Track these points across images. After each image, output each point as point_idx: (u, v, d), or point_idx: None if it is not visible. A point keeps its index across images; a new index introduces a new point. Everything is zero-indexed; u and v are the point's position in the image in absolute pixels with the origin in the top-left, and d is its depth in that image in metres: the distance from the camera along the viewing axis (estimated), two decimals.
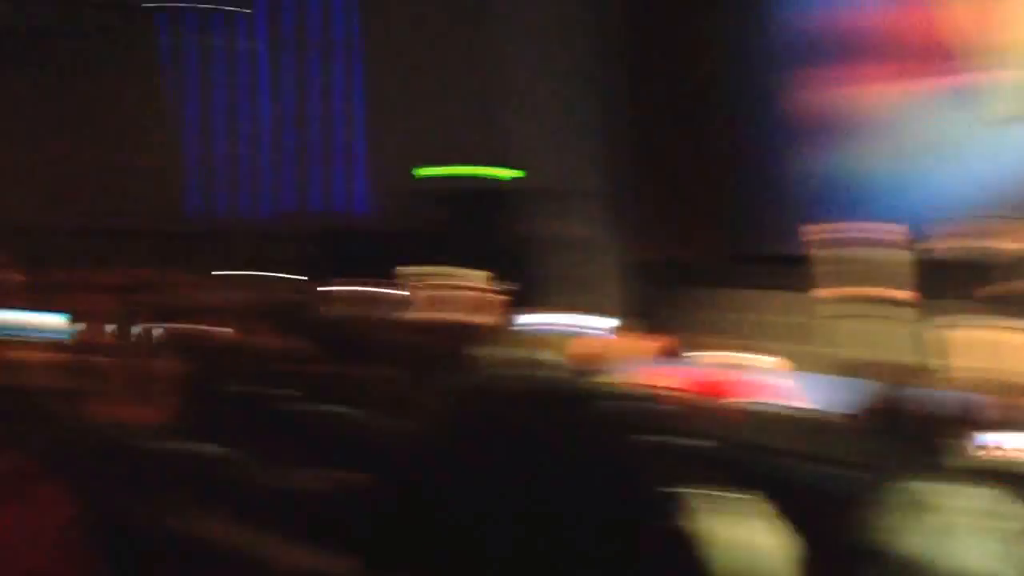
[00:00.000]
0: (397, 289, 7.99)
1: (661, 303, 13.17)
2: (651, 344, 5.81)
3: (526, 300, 8.22)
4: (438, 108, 13.65)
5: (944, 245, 8.28)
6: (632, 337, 5.84)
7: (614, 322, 11.05)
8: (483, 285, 7.55)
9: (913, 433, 3.98)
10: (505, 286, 7.39)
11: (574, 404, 1.70)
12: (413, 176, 13.96)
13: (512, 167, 13.43)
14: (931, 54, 11.47)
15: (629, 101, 14.13)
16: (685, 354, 5.59)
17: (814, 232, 12.56)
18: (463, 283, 7.49)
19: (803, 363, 10.81)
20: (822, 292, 11.51)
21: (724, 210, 13.77)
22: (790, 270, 12.45)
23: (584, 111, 13.72)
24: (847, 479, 3.62)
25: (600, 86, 13.90)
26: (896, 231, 9.08)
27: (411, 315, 6.49)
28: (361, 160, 14.73)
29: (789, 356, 11.09)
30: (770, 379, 5.71)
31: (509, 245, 12.53)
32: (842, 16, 12.55)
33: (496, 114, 13.28)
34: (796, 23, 12.94)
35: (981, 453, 3.77)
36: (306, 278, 10.45)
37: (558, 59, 13.67)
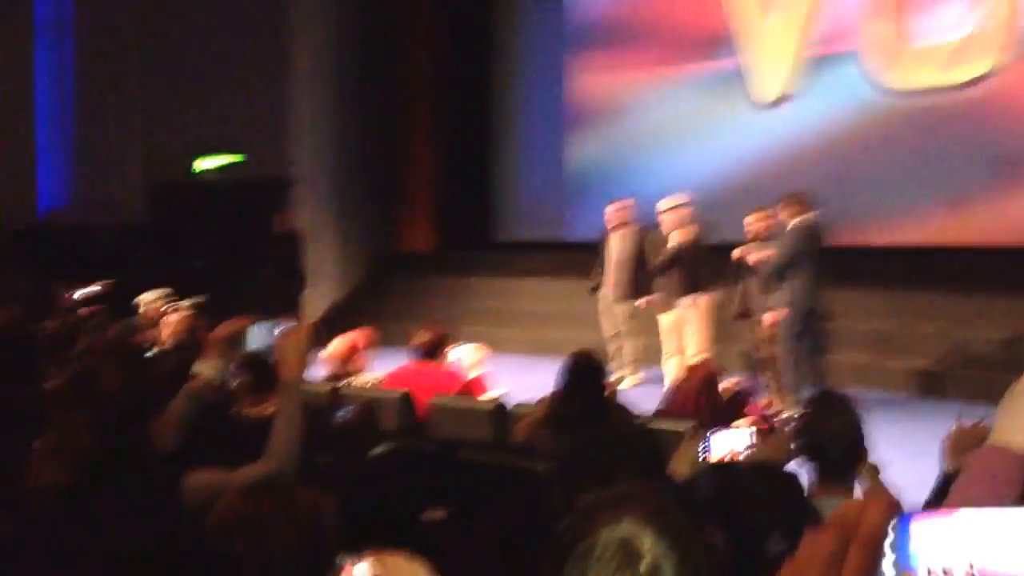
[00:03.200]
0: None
1: (393, 293, 13.49)
2: (373, 338, 6.05)
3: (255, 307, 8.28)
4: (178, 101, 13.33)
5: (681, 229, 8.96)
6: (357, 333, 6.07)
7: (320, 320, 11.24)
8: (173, 303, 7.42)
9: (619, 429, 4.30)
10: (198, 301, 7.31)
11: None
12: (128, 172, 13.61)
13: (234, 153, 13.31)
14: (692, 40, 12.16)
15: (367, 90, 14.23)
16: (414, 347, 5.82)
17: (566, 218, 13.24)
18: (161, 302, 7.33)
19: (529, 347, 11.50)
20: (566, 278, 12.09)
21: (468, 198, 14.17)
22: (531, 256, 13.10)
23: (317, 100, 13.76)
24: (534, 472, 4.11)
25: (337, 75, 13.95)
26: (636, 213, 9.63)
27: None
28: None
29: (520, 342, 11.74)
30: (485, 369, 6.04)
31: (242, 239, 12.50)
32: (604, 3, 13.07)
33: (220, 103, 13.12)
34: (559, 11, 13.34)
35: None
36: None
37: (288, 45, 13.60)
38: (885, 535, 0.99)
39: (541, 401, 4.48)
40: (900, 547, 0.99)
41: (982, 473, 1.48)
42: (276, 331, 3.15)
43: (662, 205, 9.25)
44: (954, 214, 10.24)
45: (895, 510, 1.00)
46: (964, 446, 3.46)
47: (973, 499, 1.45)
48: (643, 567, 1.37)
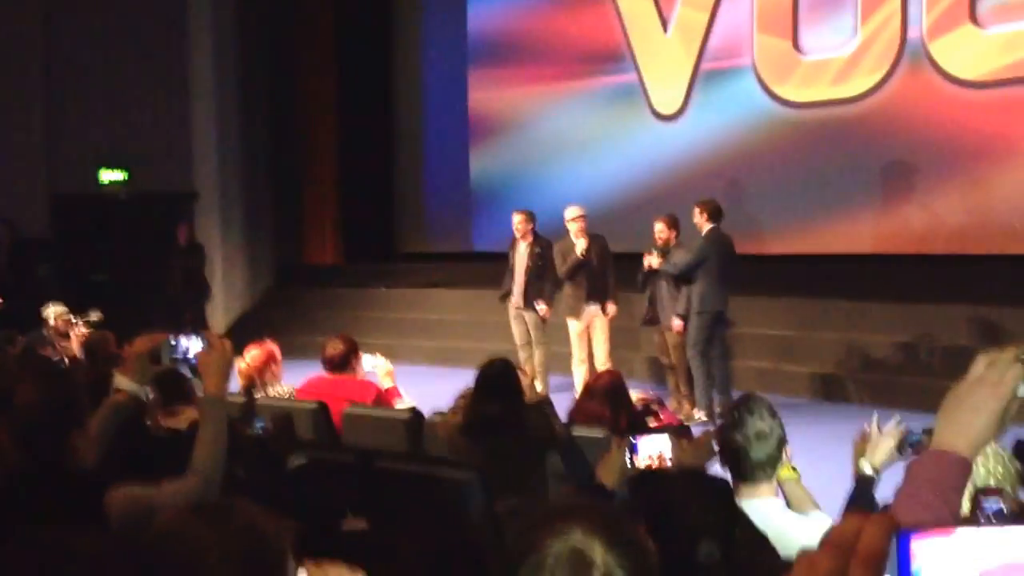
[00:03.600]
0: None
1: (298, 305, 13.37)
2: (272, 351, 5.97)
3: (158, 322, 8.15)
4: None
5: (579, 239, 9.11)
6: (268, 344, 6.00)
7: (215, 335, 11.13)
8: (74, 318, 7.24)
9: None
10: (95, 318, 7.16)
11: None
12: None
13: (129, 170, 13.09)
14: (592, 55, 12.31)
15: (271, 104, 14.13)
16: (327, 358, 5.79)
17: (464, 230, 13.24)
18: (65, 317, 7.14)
19: (435, 357, 11.51)
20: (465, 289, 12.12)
21: (372, 210, 14.11)
22: (435, 267, 13.10)
23: (221, 114, 13.60)
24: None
25: (240, 89, 13.81)
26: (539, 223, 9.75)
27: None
28: None
29: (425, 352, 11.74)
30: (385, 379, 6.02)
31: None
32: (505, 18, 13.14)
33: (124, 116, 12.88)
34: (461, 26, 13.38)
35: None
36: None
37: (191, 60, 13.42)
38: (886, 553, 0.97)
39: (457, 408, 4.50)
40: (902, 565, 0.98)
41: (928, 478, 1.49)
42: (197, 344, 3.11)
43: (568, 213, 9.38)
44: (846, 224, 10.56)
45: (893, 527, 0.99)
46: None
47: (921, 505, 1.47)
48: None
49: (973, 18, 9.72)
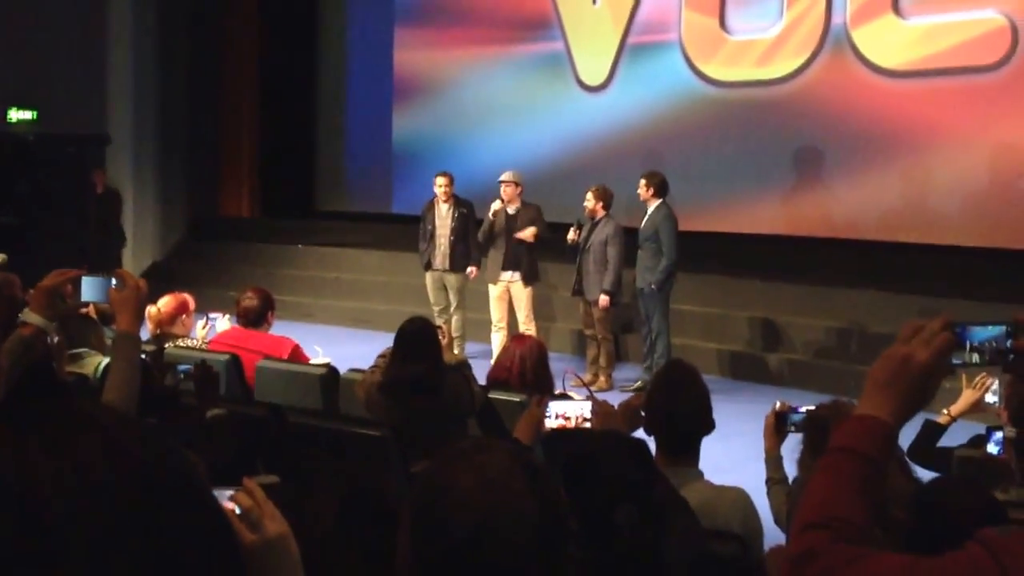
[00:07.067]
0: None
1: (212, 257, 13.13)
2: (186, 300, 5.85)
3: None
4: None
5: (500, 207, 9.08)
6: (176, 295, 5.87)
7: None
8: None
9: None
10: None
11: None
12: None
13: (39, 109, 12.66)
14: (520, 21, 12.19)
15: (191, 52, 13.77)
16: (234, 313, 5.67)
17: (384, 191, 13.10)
18: None
19: (349, 318, 11.41)
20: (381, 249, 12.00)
21: (292, 166, 13.86)
22: (354, 227, 12.94)
23: (138, 58, 13.22)
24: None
25: (159, 34, 13.43)
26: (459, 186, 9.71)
27: None
28: None
29: (340, 312, 11.62)
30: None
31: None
32: None
33: (35, 56, 12.43)
34: None
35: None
36: None
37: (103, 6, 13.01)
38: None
39: (377, 367, 4.45)
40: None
41: (853, 439, 1.47)
42: (110, 283, 3.01)
43: (503, 177, 9.32)
44: (764, 204, 10.70)
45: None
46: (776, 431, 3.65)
47: (846, 463, 1.46)
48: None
49: (895, 8, 9.88)
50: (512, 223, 9.21)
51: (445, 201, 9.73)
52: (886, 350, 1.53)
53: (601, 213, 8.73)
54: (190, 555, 0.80)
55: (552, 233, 9.14)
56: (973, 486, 2.52)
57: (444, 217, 9.71)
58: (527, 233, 9.08)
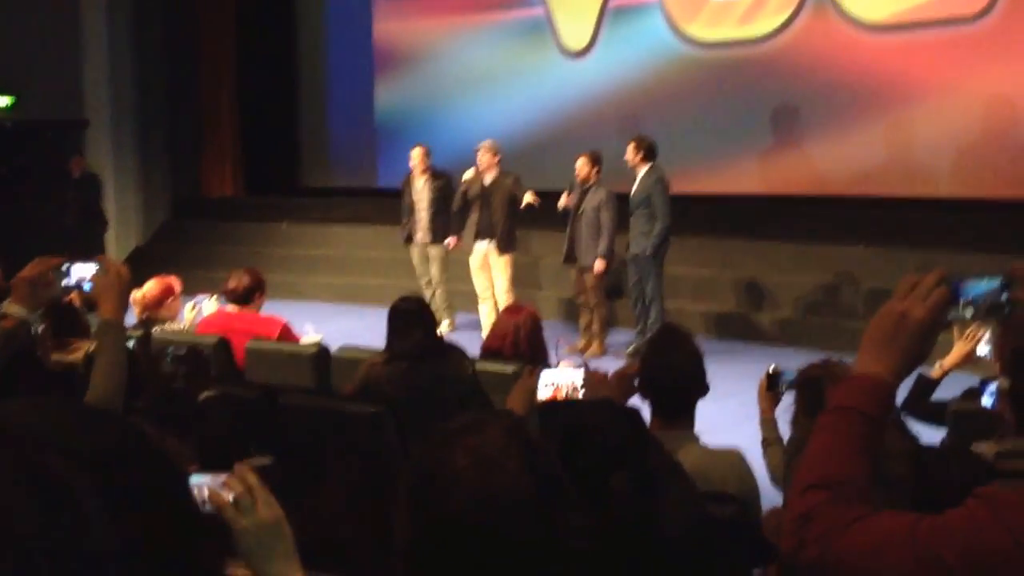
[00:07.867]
0: None
1: (196, 239, 13.05)
2: (171, 284, 5.80)
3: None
4: None
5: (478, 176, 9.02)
6: (162, 279, 5.82)
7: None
8: None
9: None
10: None
11: None
12: None
13: (16, 95, 12.53)
14: None
15: (169, 31, 13.61)
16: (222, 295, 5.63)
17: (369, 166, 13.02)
18: None
19: (337, 294, 11.36)
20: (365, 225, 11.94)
21: (274, 143, 13.74)
22: (339, 203, 12.87)
23: (115, 39, 13.07)
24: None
25: (136, 14, 13.27)
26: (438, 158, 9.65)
27: None
28: None
29: (327, 288, 11.58)
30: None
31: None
32: None
33: (10, 39, 12.28)
34: None
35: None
36: None
37: None
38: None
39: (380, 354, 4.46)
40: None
41: (852, 398, 1.47)
42: (91, 269, 2.95)
43: (480, 145, 9.23)
44: (750, 164, 10.67)
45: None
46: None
47: (846, 422, 1.46)
48: None
49: None
50: (488, 193, 9.13)
51: (422, 174, 9.67)
52: (882, 307, 1.51)
53: (593, 179, 8.63)
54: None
55: (540, 199, 9.03)
56: (971, 458, 2.51)
57: (421, 191, 9.65)
58: (530, 196, 8.91)
